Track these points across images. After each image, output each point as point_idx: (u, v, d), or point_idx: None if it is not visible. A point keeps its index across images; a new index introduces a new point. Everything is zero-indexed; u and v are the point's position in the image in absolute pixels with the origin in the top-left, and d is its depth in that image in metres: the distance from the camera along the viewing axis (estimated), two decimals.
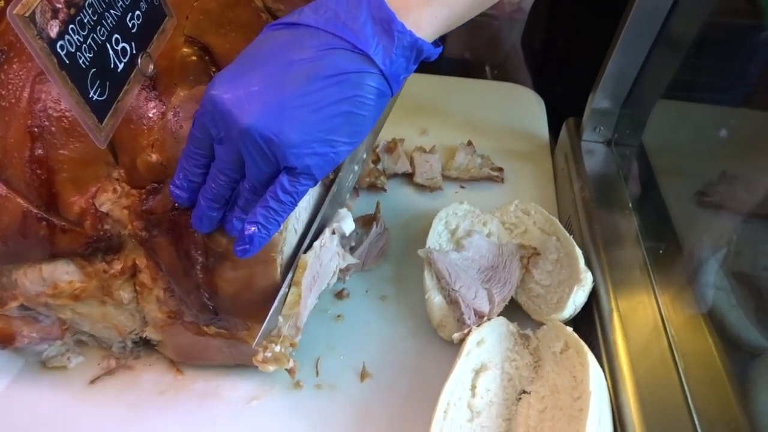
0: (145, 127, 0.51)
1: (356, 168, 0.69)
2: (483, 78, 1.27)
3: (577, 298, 0.64)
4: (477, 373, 0.59)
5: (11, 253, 0.53)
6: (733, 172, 0.72)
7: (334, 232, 0.62)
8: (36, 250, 0.52)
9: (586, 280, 0.65)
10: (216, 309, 0.56)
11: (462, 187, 0.90)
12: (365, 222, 0.78)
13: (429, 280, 0.68)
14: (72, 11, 0.42)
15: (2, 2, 0.53)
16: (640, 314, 0.63)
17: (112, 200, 0.52)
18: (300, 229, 0.58)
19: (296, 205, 0.47)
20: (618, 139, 0.88)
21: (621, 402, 0.55)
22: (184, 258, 0.53)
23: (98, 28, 0.44)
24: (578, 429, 0.51)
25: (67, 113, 0.50)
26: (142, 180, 0.52)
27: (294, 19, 0.46)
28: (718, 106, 0.80)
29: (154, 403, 0.61)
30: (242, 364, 0.62)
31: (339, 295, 0.73)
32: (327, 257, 0.61)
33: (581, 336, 0.59)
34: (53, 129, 0.50)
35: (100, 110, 0.45)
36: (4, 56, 0.50)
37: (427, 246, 0.72)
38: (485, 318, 0.64)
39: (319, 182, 0.57)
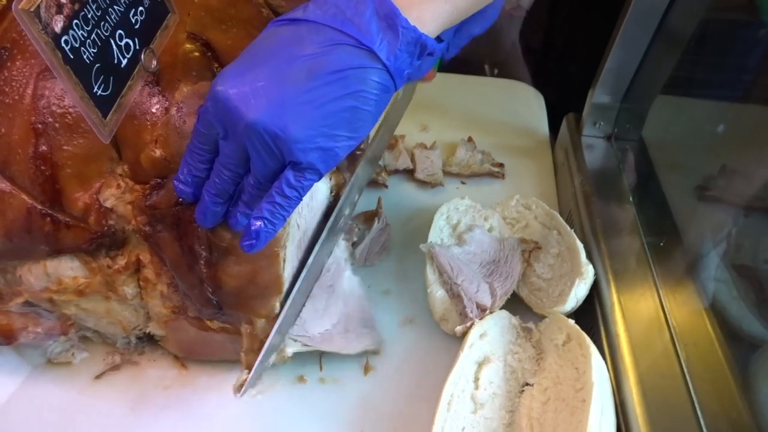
0: (148, 123, 0.51)
1: (356, 197, 0.70)
2: (483, 75, 1.27)
3: (579, 291, 0.65)
4: (480, 365, 0.59)
5: (16, 250, 0.53)
6: (733, 166, 0.73)
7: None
8: (40, 246, 0.52)
9: (588, 273, 0.65)
10: (220, 303, 0.56)
11: (463, 182, 0.90)
12: (367, 218, 0.78)
13: (431, 275, 0.69)
14: (76, 6, 0.42)
15: (4, 0, 0.53)
16: (642, 306, 0.63)
17: (116, 196, 0.52)
18: (302, 225, 0.58)
19: (301, 200, 0.48)
20: (618, 134, 0.88)
21: (623, 393, 0.55)
22: (187, 253, 0.53)
23: (102, 23, 0.44)
24: (581, 420, 0.51)
25: (70, 109, 0.50)
26: (146, 175, 0.52)
27: (299, 15, 0.46)
28: (717, 101, 0.81)
29: (159, 398, 0.62)
30: None
31: None
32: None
33: (583, 329, 0.59)
34: (57, 125, 0.50)
35: (104, 105, 0.45)
36: (7, 53, 0.50)
37: (428, 241, 0.73)
38: (487, 311, 0.64)
39: (320, 212, 0.58)
